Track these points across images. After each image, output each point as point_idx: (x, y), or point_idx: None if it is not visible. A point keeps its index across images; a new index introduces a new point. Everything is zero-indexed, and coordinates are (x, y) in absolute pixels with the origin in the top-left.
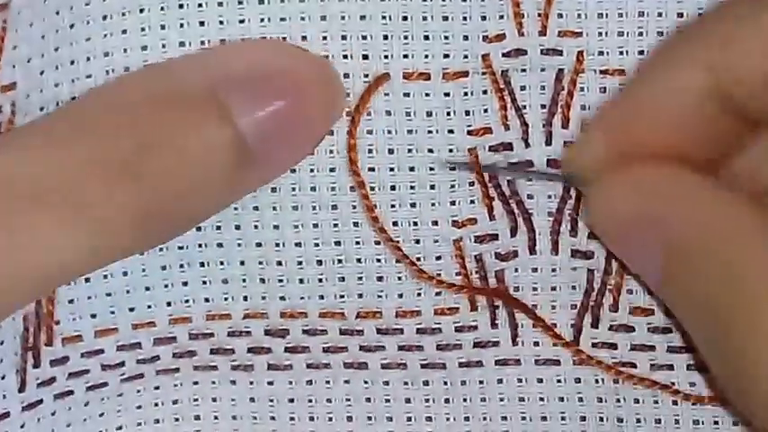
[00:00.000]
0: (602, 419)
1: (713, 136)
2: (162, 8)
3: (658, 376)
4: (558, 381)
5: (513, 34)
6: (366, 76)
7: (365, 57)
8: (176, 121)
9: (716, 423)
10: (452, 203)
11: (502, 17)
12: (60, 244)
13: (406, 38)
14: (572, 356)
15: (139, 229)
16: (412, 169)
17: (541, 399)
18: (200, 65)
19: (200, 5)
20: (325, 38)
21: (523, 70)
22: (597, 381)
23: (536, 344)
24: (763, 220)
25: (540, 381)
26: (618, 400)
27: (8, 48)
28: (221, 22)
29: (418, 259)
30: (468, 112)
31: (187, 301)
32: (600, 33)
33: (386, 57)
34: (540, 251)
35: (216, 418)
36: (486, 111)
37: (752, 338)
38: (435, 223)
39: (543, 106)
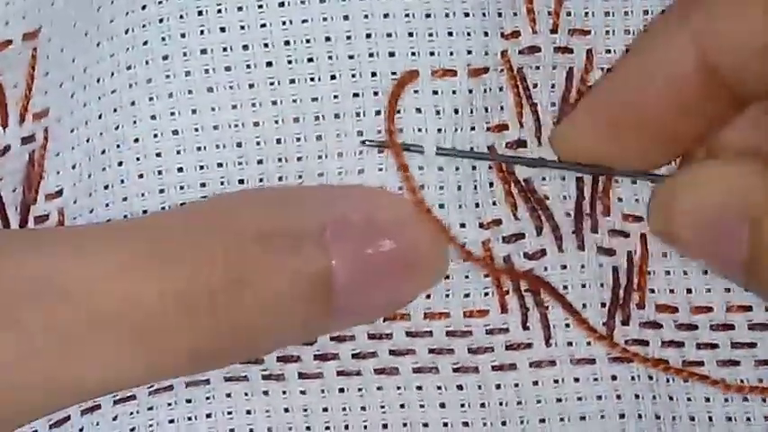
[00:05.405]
0: (640, 416)
1: (701, 111)
2: (181, 16)
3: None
4: (595, 379)
5: (528, 31)
6: (394, 73)
7: (391, 54)
8: (273, 260)
9: (748, 419)
10: (477, 205)
11: (515, 14)
12: (117, 366)
13: (430, 35)
14: (606, 353)
15: (196, 362)
16: (440, 169)
17: (579, 398)
18: (317, 203)
19: (219, 11)
20: (349, 37)
21: (537, 68)
22: (633, 377)
23: (570, 344)
24: None
25: (577, 380)
26: (654, 397)
27: (39, 75)
28: (242, 27)
29: None
30: (486, 109)
31: None
32: (607, 32)
33: (413, 54)
34: (567, 249)
35: (251, 431)
36: (502, 108)
37: None
38: (463, 225)
39: (553, 104)
